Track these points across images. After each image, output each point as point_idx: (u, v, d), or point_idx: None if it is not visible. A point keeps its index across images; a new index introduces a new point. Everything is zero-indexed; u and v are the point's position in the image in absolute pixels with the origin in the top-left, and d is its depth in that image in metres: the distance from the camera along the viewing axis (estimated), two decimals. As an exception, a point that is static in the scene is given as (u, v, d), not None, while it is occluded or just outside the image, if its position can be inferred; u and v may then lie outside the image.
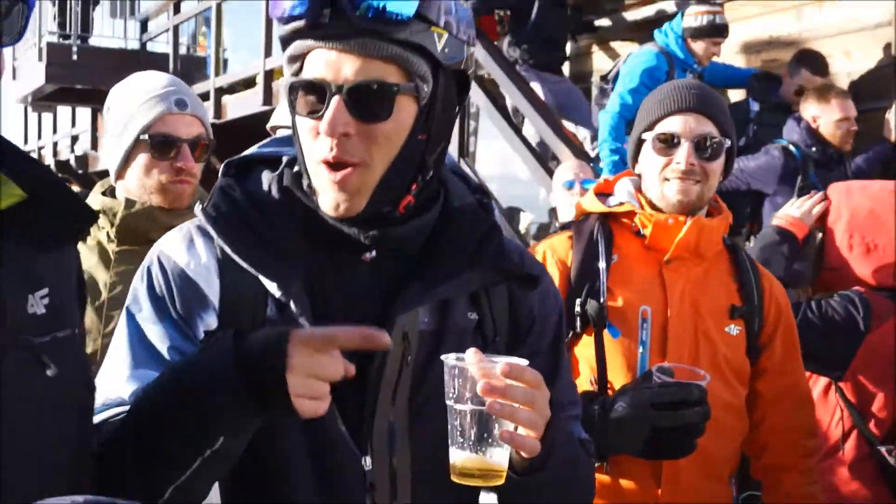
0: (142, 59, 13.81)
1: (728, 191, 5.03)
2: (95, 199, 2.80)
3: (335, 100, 1.45)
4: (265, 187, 1.62)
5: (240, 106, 10.55)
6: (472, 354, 1.38)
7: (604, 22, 7.98)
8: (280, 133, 3.40)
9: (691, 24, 5.89)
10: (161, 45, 14.37)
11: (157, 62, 13.28)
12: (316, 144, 1.50)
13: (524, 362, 1.41)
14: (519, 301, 1.70)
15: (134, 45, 15.08)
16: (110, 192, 2.83)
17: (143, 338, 1.54)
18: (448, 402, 1.41)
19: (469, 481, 1.42)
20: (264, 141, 1.77)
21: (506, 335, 1.69)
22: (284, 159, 1.66)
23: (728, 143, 2.51)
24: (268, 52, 9.90)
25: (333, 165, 1.48)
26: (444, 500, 1.56)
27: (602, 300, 2.44)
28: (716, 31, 5.95)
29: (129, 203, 2.67)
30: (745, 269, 2.59)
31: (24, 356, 1.25)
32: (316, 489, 1.53)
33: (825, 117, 4.98)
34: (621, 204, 2.58)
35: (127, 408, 1.47)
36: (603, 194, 2.67)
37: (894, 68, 5.91)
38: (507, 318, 1.70)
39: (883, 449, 2.87)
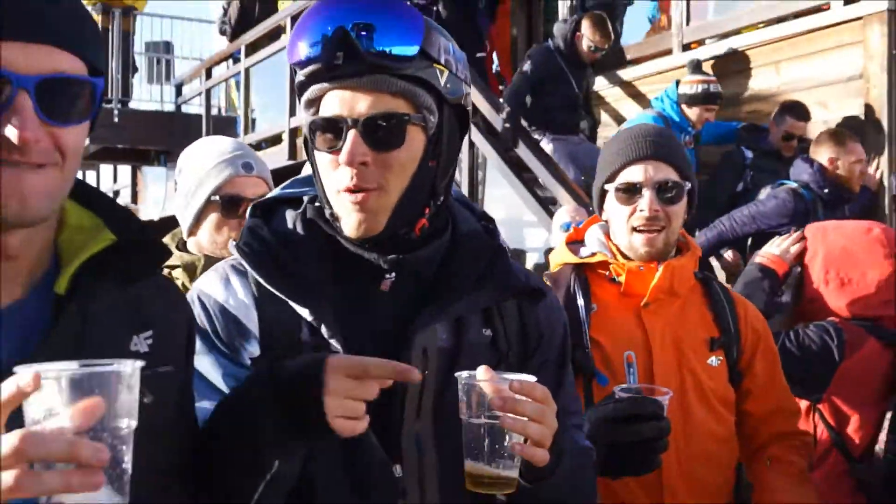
0: (177, 121, 13.99)
1: (745, 235, 5.14)
2: (174, 255, 2.79)
3: (352, 133, 1.47)
4: (290, 225, 1.63)
5: (267, 161, 10.38)
6: (483, 372, 1.38)
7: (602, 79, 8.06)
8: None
9: (686, 91, 6.01)
10: (194, 107, 14.46)
11: (191, 123, 13.55)
12: (336, 175, 1.51)
13: (532, 379, 1.41)
14: (527, 317, 1.70)
15: (170, 107, 15.22)
16: (182, 245, 2.85)
17: (197, 372, 1.53)
18: (462, 417, 1.41)
19: (483, 489, 1.41)
20: (284, 183, 1.77)
21: (517, 349, 1.68)
22: (305, 199, 1.67)
23: (688, 185, 2.42)
24: (292, 112, 9.99)
25: (353, 191, 1.49)
26: (468, 502, 1.55)
27: (587, 349, 2.34)
28: (710, 99, 6.08)
29: (209, 259, 2.67)
30: (718, 300, 2.50)
31: None
32: (350, 496, 1.52)
33: (843, 159, 4.95)
34: (594, 254, 2.49)
35: None
36: (575, 243, 2.60)
37: (865, 116, 5.91)
38: (517, 334, 1.70)
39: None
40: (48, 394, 0.99)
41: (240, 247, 1.58)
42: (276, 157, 10.23)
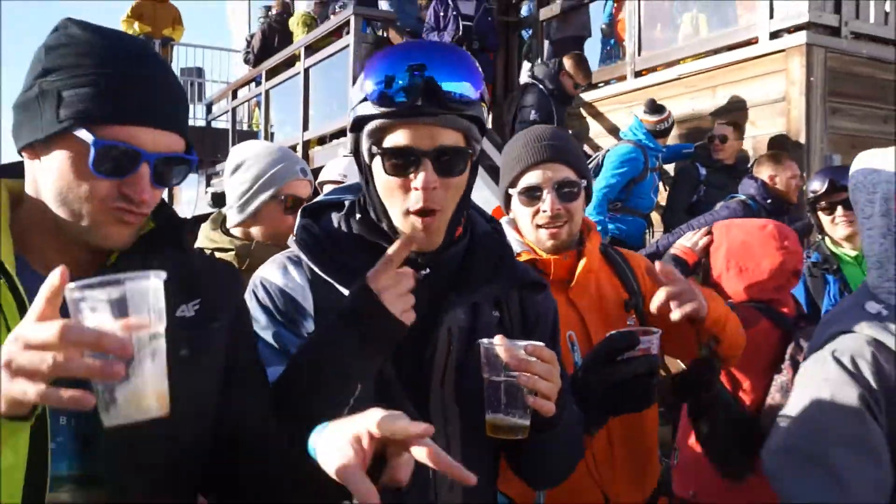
0: (207, 134, 13.81)
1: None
2: (223, 239, 2.80)
3: (426, 163, 1.47)
4: (335, 224, 1.63)
5: None
6: (500, 339, 1.41)
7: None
8: (326, 188, 3.30)
9: (651, 128, 6.01)
10: (222, 123, 14.35)
11: (219, 136, 13.37)
12: (405, 197, 1.50)
13: (541, 344, 1.44)
14: (525, 303, 1.72)
15: (201, 123, 15.00)
16: (223, 229, 2.84)
17: (265, 343, 1.54)
18: (484, 376, 1.43)
19: (501, 435, 1.44)
20: (328, 190, 1.75)
21: (519, 328, 1.70)
22: (346, 203, 1.66)
23: (584, 183, 2.27)
24: (305, 127, 10.00)
25: (421, 213, 1.50)
26: (485, 458, 1.62)
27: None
28: (668, 132, 6.18)
29: (259, 245, 2.70)
30: (619, 266, 2.38)
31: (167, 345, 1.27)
32: None
33: (781, 176, 5.02)
34: (519, 254, 2.22)
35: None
36: None
37: (787, 132, 5.94)
38: (518, 315, 1.72)
39: None
40: (100, 307, 1.02)
41: (297, 241, 1.60)
42: None
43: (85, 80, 1.23)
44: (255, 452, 1.38)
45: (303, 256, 1.58)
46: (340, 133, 9.25)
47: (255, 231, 2.79)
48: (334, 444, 1.14)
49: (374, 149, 1.51)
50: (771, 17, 6.18)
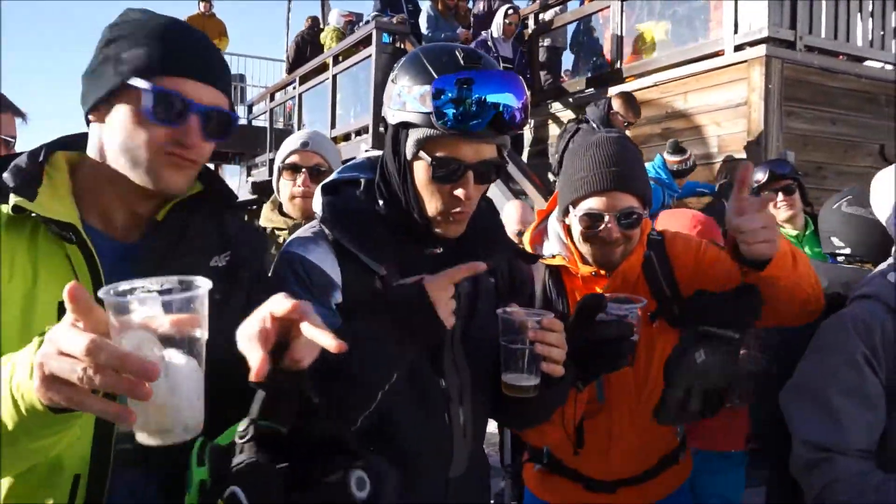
0: (248, 132, 13.76)
1: None
2: (278, 219, 2.73)
3: (470, 174, 1.42)
4: (355, 202, 1.55)
5: None
6: (517, 309, 1.40)
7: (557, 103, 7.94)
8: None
9: (672, 167, 5.66)
10: (260, 122, 14.32)
11: (258, 133, 13.27)
12: (446, 198, 1.44)
13: (551, 314, 1.42)
14: (514, 271, 1.71)
15: (242, 121, 14.86)
16: (280, 210, 2.78)
17: None
18: (502, 342, 1.41)
19: (514, 393, 1.43)
20: (342, 167, 1.67)
21: (506, 291, 1.67)
22: (363, 181, 1.58)
23: (646, 213, 1.96)
24: (332, 126, 9.95)
25: (457, 213, 1.46)
26: (486, 403, 1.61)
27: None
28: (687, 172, 5.77)
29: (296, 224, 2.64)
30: (653, 274, 2.03)
31: None
32: (412, 403, 1.47)
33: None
34: (554, 256, 2.07)
35: None
36: (537, 245, 2.18)
37: (747, 133, 5.93)
38: (507, 280, 1.70)
39: None
40: (150, 306, 0.88)
41: (324, 219, 1.52)
42: None
43: (139, 43, 1.23)
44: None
45: (328, 232, 1.50)
46: (363, 130, 9.26)
47: (281, 201, 2.74)
48: (243, 325, 1.05)
49: (422, 154, 1.43)
50: (735, 31, 6.16)
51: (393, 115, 1.47)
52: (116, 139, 1.25)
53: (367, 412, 1.33)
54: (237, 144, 13.66)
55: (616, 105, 6.13)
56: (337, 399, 1.27)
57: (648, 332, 1.97)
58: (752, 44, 6.01)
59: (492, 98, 1.37)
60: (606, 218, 1.91)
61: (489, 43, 7.29)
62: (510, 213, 4.44)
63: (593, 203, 1.93)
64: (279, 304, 1.02)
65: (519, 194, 6.70)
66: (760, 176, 3.77)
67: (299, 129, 11.53)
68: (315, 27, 12.13)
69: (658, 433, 2.08)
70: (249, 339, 1.01)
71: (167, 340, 0.87)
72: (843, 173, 6.07)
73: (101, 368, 0.83)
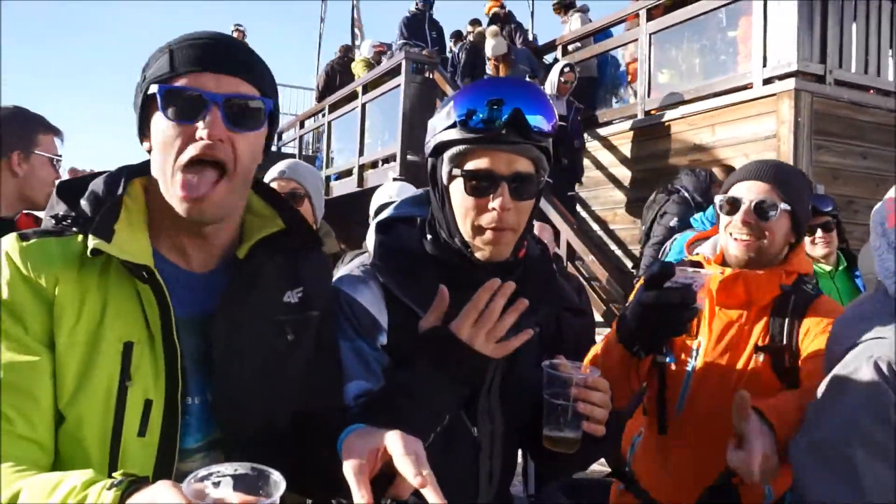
0: (276, 158, 13.88)
1: None
2: None
3: (504, 186, 1.40)
4: (408, 242, 1.53)
5: (341, 187, 10.66)
6: (563, 362, 1.38)
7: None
8: (376, 209, 3.23)
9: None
10: (289, 149, 14.50)
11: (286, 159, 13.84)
12: (482, 215, 1.42)
13: (598, 372, 1.40)
14: (563, 322, 1.70)
15: (273, 148, 15.36)
16: None
17: (347, 354, 1.44)
18: (545, 396, 1.39)
19: (557, 448, 1.40)
20: (395, 203, 1.66)
21: (551, 343, 1.64)
22: (418, 220, 1.57)
23: (786, 206, 1.94)
24: (361, 153, 10.05)
25: (498, 229, 1.43)
26: (516, 454, 1.60)
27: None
28: None
29: None
30: (783, 312, 1.96)
31: (273, 329, 1.28)
32: (442, 449, 1.39)
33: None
34: (698, 255, 2.13)
35: (348, 407, 1.38)
36: (695, 244, 2.23)
37: None
38: (556, 333, 1.67)
39: None
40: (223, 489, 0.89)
41: (375, 263, 1.51)
42: (348, 185, 10.32)
43: (160, 57, 1.20)
44: (317, 423, 1.29)
45: (380, 277, 1.48)
46: (390, 158, 9.28)
47: None
48: (356, 448, 1.07)
49: (455, 171, 1.43)
50: (764, 65, 6.16)
51: (428, 146, 1.49)
52: (155, 160, 1.21)
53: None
54: (265, 169, 13.70)
55: (720, 175, 5.43)
56: None
57: (756, 362, 1.94)
58: (782, 77, 5.99)
59: (510, 99, 1.39)
60: (742, 204, 1.95)
61: None
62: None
63: (736, 190, 1.99)
64: (395, 443, 1.03)
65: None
66: None
67: (328, 155, 11.68)
68: (346, 56, 12.27)
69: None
70: (355, 470, 1.03)
71: None
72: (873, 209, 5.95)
73: None
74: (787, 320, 1.95)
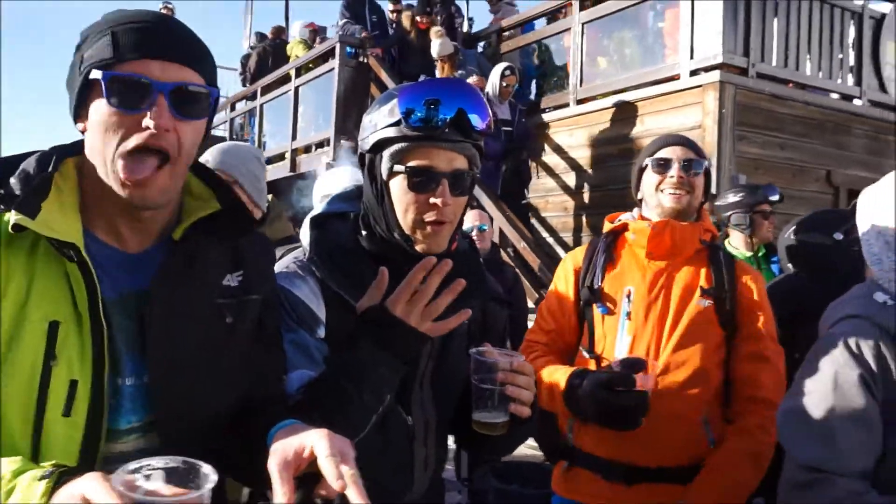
0: (206, 142, 13.73)
1: None
2: None
3: (444, 182, 1.45)
4: (342, 238, 1.57)
5: (274, 172, 10.24)
6: (489, 349, 1.43)
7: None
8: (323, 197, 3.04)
9: None
10: (219, 132, 13.89)
11: (218, 143, 13.52)
12: (423, 209, 1.46)
13: (522, 357, 1.45)
14: (487, 312, 1.73)
15: None
16: None
17: (289, 344, 1.47)
18: (473, 381, 1.43)
19: (487, 430, 1.44)
20: (328, 199, 1.69)
21: (479, 333, 1.70)
22: (352, 215, 1.60)
23: (706, 163, 2.27)
24: (293, 137, 9.93)
25: (438, 223, 1.47)
26: (446, 440, 1.67)
27: (594, 287, 2.24)
28: None
29: None
30: (718, 263, 2.23)
31: (210, 311, 1.28)
32: (378, 435, 1.48)
33: None
34: (621, 223, 2.34)
35: (293, 394, 1.41)
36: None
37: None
38: (479, 322, 1.72)
39: None
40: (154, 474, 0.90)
41: (312, 259, 1.54)
42: (281, 170, 10.13)
43: (100, 37, 1.16)
44: (257, 411, 1.30)
45: (314, 269, 1.52)
46: (324, 143, 9.16)
47: None
48: (283, 444, 1.07)
49: (397, 167, 1.46)
50: (691, 57, 6.26)
51: (366, 142, 1.50)
52: (93, 141, 1.18)
53: (359, 436, 1.34)
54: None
55: None
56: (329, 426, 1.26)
57: (696, 307, 2.15)
58: (707, 69, 6.11)
59: (451, 99, 1.43)
60: (673, 163, 2.22)
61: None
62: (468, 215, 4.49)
63: (663, 153, 2.26)
64: (321, 443, 1.03)
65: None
66: (740, 198, 4.04)
67: (259, 139, 11.47)
68: (278, 38, 12.03)
69: (683, 429, 2.10)
70: (280, 468, 1.03)
71: None
72: (792, 197, 6.10)
73: None
74: (724, 270, 2.21)
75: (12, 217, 1.11)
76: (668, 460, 2.09)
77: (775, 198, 4.09)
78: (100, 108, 1.15)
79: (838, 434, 1.63)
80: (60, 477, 0.94)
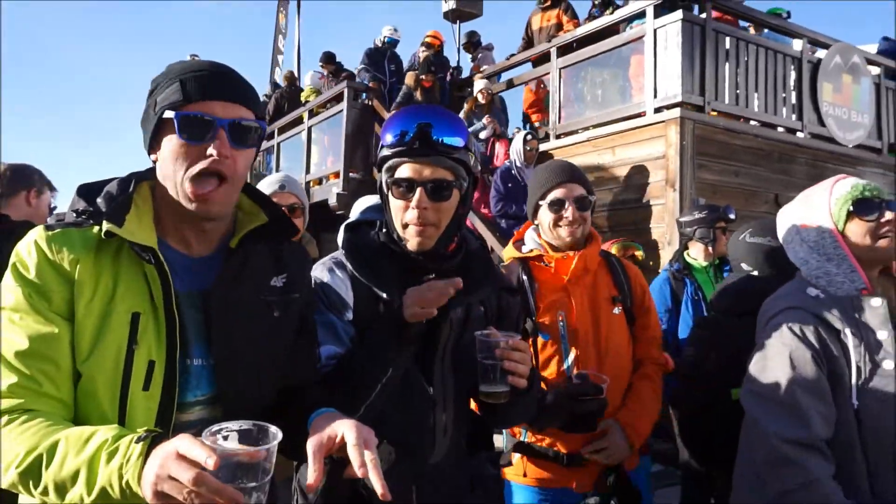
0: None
1: None
2: None
3: (419, 190, 1.54)
4: (370, 238, 1.67)
5: None
6: (492, 332, 1.51)
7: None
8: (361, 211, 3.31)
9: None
10: None
11: None
12: (406, 213, 1.56)
13: (518, 336, 1.53)
14: (502, 301, 1.77)
15: None
16: None
17: (320, 324, 1.55)
18: (479, 359, 1.51)
19: (489, 399, 1.52)
20: (363, 209, 1.84)
21: (494, 319, 1.73)
22: (378, 222, 1.69)
23: (594, 198, 2.38)
24: (307, 171, 10.04)
25: (418, 225, 1.56)
26: (468, 411, 1.72)
27: (534, 317, 2.28)
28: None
29: None
30: (615, 271, 2.41)
31: (261, 307, 1.35)
32: (401, 407, 1.56)
33: None
34: (532, 251, 2.41)
35: (322, 366, 1.50)
36: (518, 242, 2.52)
37: (665, 181, 6.15)
38: (495, 310, 1.76)
39: None
40: (231, 435, 1.00)
41: (344, 252, 1.65)
42: None
43: (170, 84, 1.26)
44: (297, 395, 1.38)
45: (347, 263, 1.63)
46: (334, 175, 9.41)
47: None
48: (319, 429, 1.13)
49: (389, 180, 1.58)
50: (655, 96, 6.45)
51: (376, 163, 1.65)
52: (164, 167, 1.29)
53: (368, 401, 1.44)
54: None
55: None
56: (348, 390, 1.43)
57: (612, 315, 2.33)
58: (669, 107, 6.29)
59: (420, 119, 1.54)
60: (567, 204, 2.30)
61: (513, 172, 6.78)
62: None
63: (556, 193, 2.33)
64: (350, 433, 1.10)
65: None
66: (704, 215, 4.19)
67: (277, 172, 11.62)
68: (293, 86, 12.30)
69: (612, 412, 2.30)
70: (314, 449, 1.10)
71: (243, 468, 0.97)
72: (745, 217, 6.14)
73: (202, 495, 0.93)
74: (621, 276, 2.43)
75: (104, 225, 1.21)
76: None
77: (733, 216, 4.24)
78: (172, 141, 1.25)
79: (807, 407, 1.66)
80: (154, 439, 1.01)
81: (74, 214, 1.30)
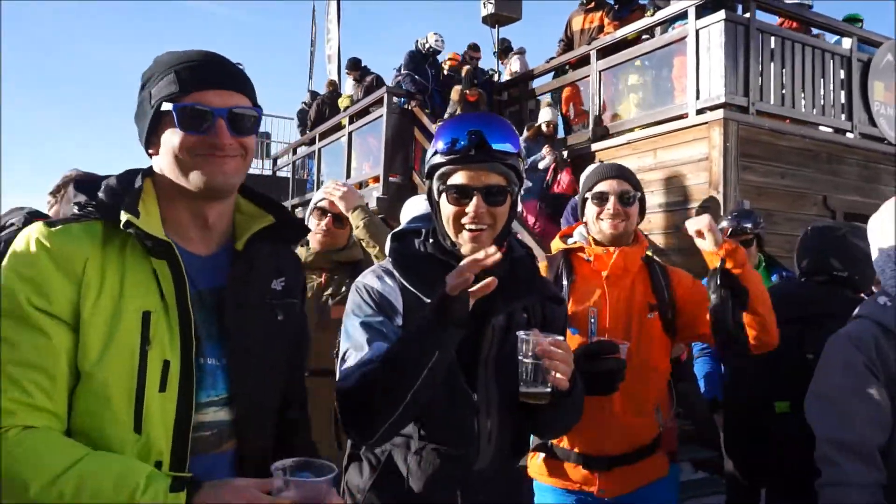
0: (272, 181, 13.82)
1: None
2: (299, 250, 2.79)
3: (476, 195, 1.55)
4: (416, 247, 1.68)
5: None
6: (535, 332, 1.49)
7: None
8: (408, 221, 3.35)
9: None
10: (283, 173, 14.25)
11: (281, 183, 13.29)
12: (461, 219, 1.57)
13: (561, 338, 1.51)
14: (546, 309, 1.74)
15: (268, 173, 15.19)
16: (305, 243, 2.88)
17: (371, 326, 1.54)
18: (519, 358, 1.49)
19: (530, 400, 1.49)
20: (410, 218, 1.84)
21: (539, 328, 1.64)
22: (424, 231, 1.70)
23: (640, 194, 2.35)
24: (348, 175, 10.00)
25: (474, 230, 1.56)
26: (513, 417, 1.63)
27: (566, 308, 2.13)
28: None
29: (316, 254, 2.80)
30: (656, 277, 2.34)
31: (267, 309, 1.35)
32: (445, 412, 1.55)
33: None
34: (576, 243, 2.40)
35: (371, 361, 1.46)
36: (566, 236, 2.50)
37: (709, 184, 6.02)
38: (541, 318, 1.73)
39: None
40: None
41: (392, 261, 1.66)
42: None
43: (164, 76, 1.24)
44: (282, 406, 1.40)
45: (395, 272, 1.63)
46: (373, 180, 9.38)
47: (313, 241, 2.88)
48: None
49: (442, 187, 1.59)
50: (697, 98, 6.32)
51: (425, 171, 1.65)
52: (166, 159, 1.26)
53: (414, 388, 1.39)
54: (264, 191, 13.61)
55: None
56: (395, 376, 1.40)
57: (646, 320, 2.27)
58: (712, 108, 6.15)
59: (473, 126, 1.55)
60: (610, 197, 2.30)
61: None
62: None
63: (601, 187, 2.34)
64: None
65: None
66: (726, 225, 3.91)
67: (318, 179, 11.68)
68: (334, 92, 12.36)
69: (643, 419, 2.27)
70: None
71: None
72: (792, 220, 6.15)
73: None
74: (661, 280, 2.34)
75: (123, 216, 1.17)
76: (628, 447, 2.26)
77: (749, 225, 3.91)
78: (170, 135, 1.23)
79: (849, 409, 1.73)
80: (190, 487, 1.04)
81: (76, 208, 1.25)
